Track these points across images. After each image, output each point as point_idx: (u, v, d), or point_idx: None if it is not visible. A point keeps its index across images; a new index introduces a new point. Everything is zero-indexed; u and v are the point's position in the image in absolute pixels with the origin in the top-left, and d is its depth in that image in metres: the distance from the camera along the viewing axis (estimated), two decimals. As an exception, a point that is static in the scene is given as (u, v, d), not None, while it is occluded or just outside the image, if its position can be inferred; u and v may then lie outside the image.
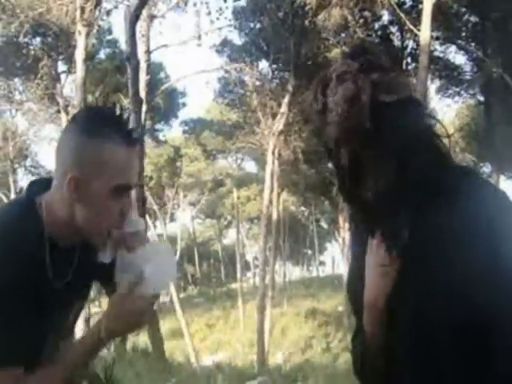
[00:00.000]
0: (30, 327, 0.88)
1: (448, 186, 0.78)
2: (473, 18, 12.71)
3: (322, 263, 42.97)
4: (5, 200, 20.51)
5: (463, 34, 13.21)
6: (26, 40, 13.90)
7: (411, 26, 10.75)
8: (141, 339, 12.11)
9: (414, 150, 0.77)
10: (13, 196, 19.03)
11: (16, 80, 16.21)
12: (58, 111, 15.18)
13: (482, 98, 15.55)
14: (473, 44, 13.18)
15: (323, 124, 0.79)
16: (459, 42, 13.33)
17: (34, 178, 1.03)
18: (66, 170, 0.90)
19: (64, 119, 15.03)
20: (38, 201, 0.94)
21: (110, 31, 16.50)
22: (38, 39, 14.55)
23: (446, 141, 0.83)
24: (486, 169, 22.67)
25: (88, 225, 0.92)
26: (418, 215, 0.79)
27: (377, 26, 13.39)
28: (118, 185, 0.91)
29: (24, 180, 23.29)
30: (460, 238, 0.74)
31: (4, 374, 0.87)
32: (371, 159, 0.77)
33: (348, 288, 0.93)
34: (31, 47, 14.16)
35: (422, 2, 9.88)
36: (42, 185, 0.97)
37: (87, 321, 8.25)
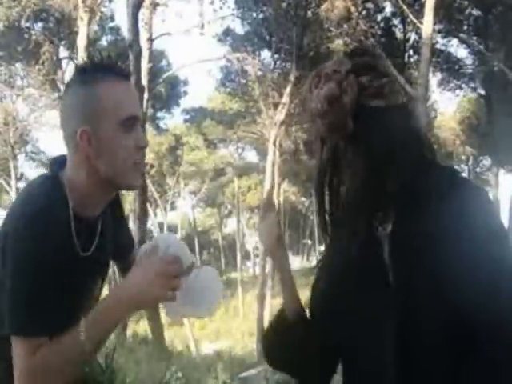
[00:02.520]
0: (55, 298, 0.89)
1: (428, 190, 0.77)
2: (475, 12, 12.63)
3: (321, 253, 43.06)
4: (5, 186, 20.55)
5: (465, 28, 13.13)
6: (27, 25, 13.81)
7: (414, 19, 10.72)
8: (141, 327, 12.24)
9: (394, 155, 0.77)
10: (13, 182, 19.06)
11: (17, 65, 16.13)
12: (60, 97, 15.15)
13: (482, 92, 15.53)
14: (475, 38, 13.11)
15: (309, 117, 0.81)
16: (461, 35, 13.26)
17: (57, 155, 1.04)
18: (75, 128, 0.91)
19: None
20: (61, 175, 0.97)
21: (112, 18, 16.42)
22: (40, 24, 14.46)
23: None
24: (486, 162, 22.70)
25: (112, 170, 0.93)
26: (398, 220, 0.79)
27: (379, 17, 13.32)
28: (124, 118, 0.92)
29: (24, 166, 23.32)
30: (441, 242, 0.73)
31: (24, 342, 0.88)
32: (350, 158, 0.78)
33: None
34: (33, 32, 14.08)
35: (424, -5, 9.85)
36: (63, 161, 0.99)
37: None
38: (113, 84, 0.93)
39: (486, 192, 0.79)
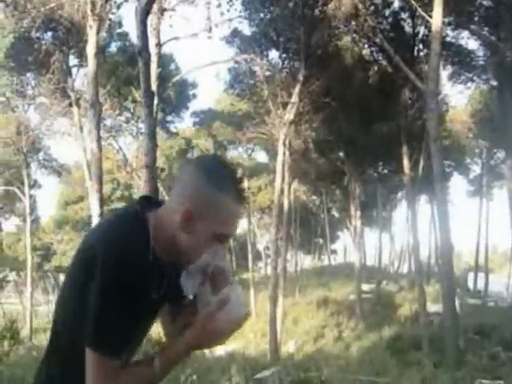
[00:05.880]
0: (130, 327, 1.00)
1: None
2: (486, 2, 12.43)
3: (333, 252, 42.91)
4: (19, 194, 20.81)
5: (476, 19, 12.93)
6: (37, 35, 14.02)
7: (422, 13, 10.59)
8: (154, 329, 12.26)
9: None
10: (26, 189, 19.31)
11: (28, 75, 16.38)
12: (70, 105, 15.30)
13: (495, 83, 15.30)
14: (486, 29, 12.90)
15: None
16: (472, 26, 13.06)
17: (144, 194, 1.16)
18: (184, 202, 1.04)
19: (76, 112, 15.18)
20: (148, 216, 1.07)
21: (120, 24, 16.56)
22: (50, 34, 14.65)
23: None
24: (500, 154, 22.34)
25: (186, 252, 1.06)
26: None
27: (387, 12, 13.20)
28: (223, 233, 1.06)
29: (37, 174, 23.61)
30: None
31: (104, 362, 0.98)
32: None
33: None
34: (43, 42, 14.27)
35: (433, -12, 9.72)
36: (151, 202, 1.11)
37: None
38: (232, 203, 1.04)
39: None
